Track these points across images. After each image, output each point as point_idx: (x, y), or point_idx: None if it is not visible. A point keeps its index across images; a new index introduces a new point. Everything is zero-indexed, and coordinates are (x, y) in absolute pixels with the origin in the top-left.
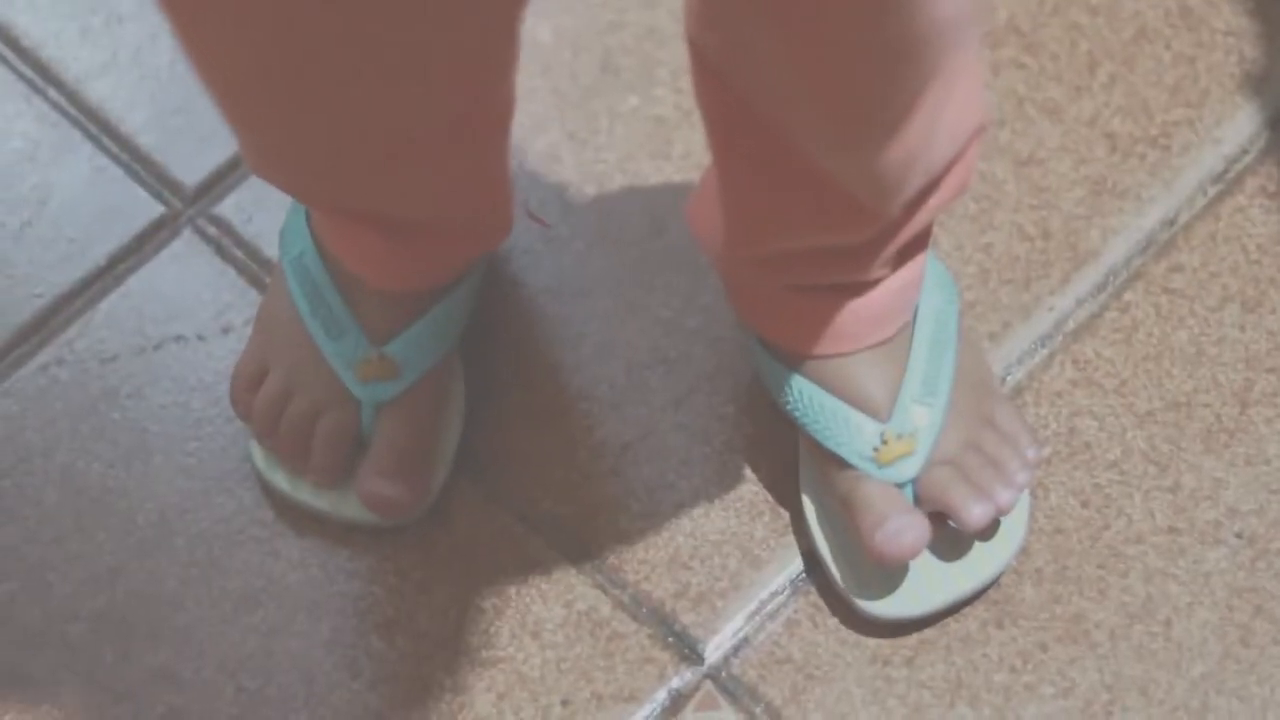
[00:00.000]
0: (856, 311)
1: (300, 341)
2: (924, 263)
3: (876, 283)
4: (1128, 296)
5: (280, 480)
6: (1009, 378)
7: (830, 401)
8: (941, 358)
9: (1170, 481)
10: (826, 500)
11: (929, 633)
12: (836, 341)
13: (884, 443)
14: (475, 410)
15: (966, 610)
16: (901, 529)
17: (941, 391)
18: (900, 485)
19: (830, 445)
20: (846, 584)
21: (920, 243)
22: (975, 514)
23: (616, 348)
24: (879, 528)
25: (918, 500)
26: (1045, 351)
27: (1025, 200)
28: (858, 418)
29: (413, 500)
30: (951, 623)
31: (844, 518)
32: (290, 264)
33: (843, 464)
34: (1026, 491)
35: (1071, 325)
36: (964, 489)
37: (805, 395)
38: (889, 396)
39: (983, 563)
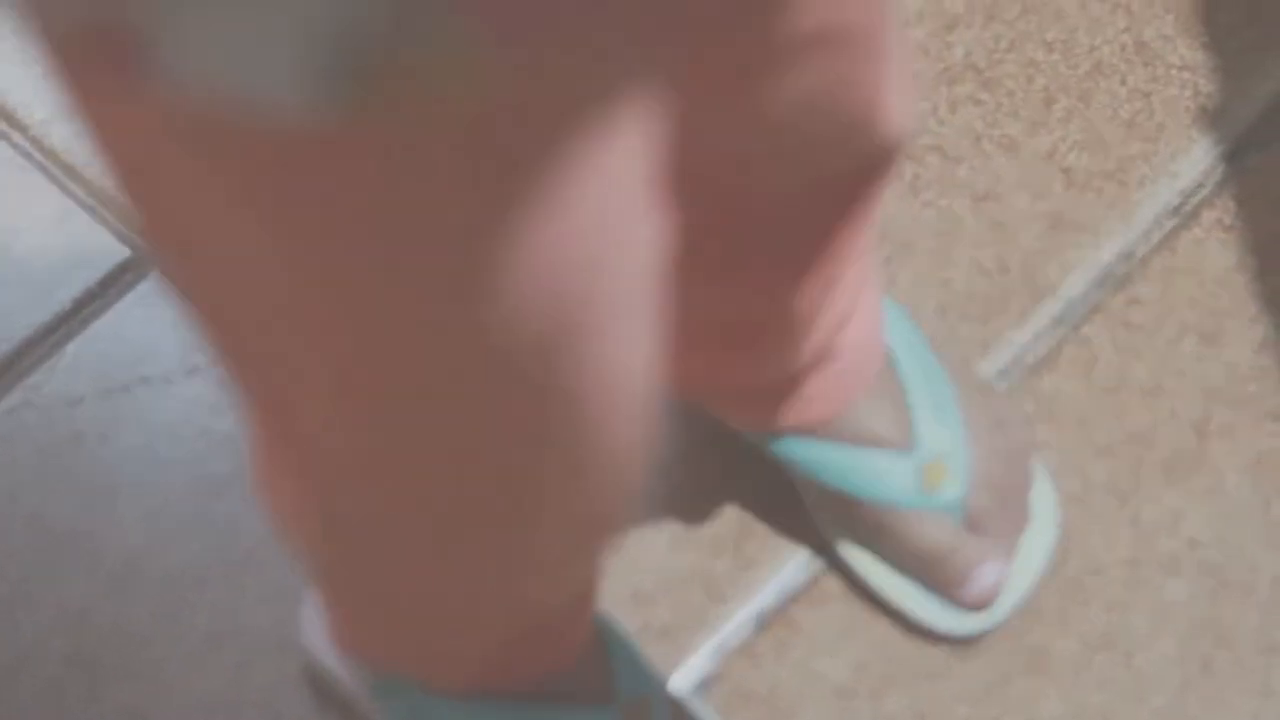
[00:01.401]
0: (834, 376)
1: None
2: (874, 290)
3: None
4: (1086, 330)
5: None
6: None
7: (857, 454)
8: (933, 375)
9: (1130, 513)
10: (879, 547)
11: (891, 665)
12: (828, 405)
13: (924, 471)
14: None
15: (929, 642)
16: (984, 576)
17: (949, 407)
18: (950, 511)
19: (874, 494)
20: (928, 617)
21: (859, 276)
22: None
23: None
24: (962, 586)
25: (968, 520)
26: (1005, 386)
27: (983, 235)
28: (888, 458)
29: None
30: (914, 655)
31: (904, 560)
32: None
33: (888, 510)
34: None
35: (1030, 359)
36: (1003, 518)
37: (828, 458)
38: (904, 429)
39: (1034, 552)
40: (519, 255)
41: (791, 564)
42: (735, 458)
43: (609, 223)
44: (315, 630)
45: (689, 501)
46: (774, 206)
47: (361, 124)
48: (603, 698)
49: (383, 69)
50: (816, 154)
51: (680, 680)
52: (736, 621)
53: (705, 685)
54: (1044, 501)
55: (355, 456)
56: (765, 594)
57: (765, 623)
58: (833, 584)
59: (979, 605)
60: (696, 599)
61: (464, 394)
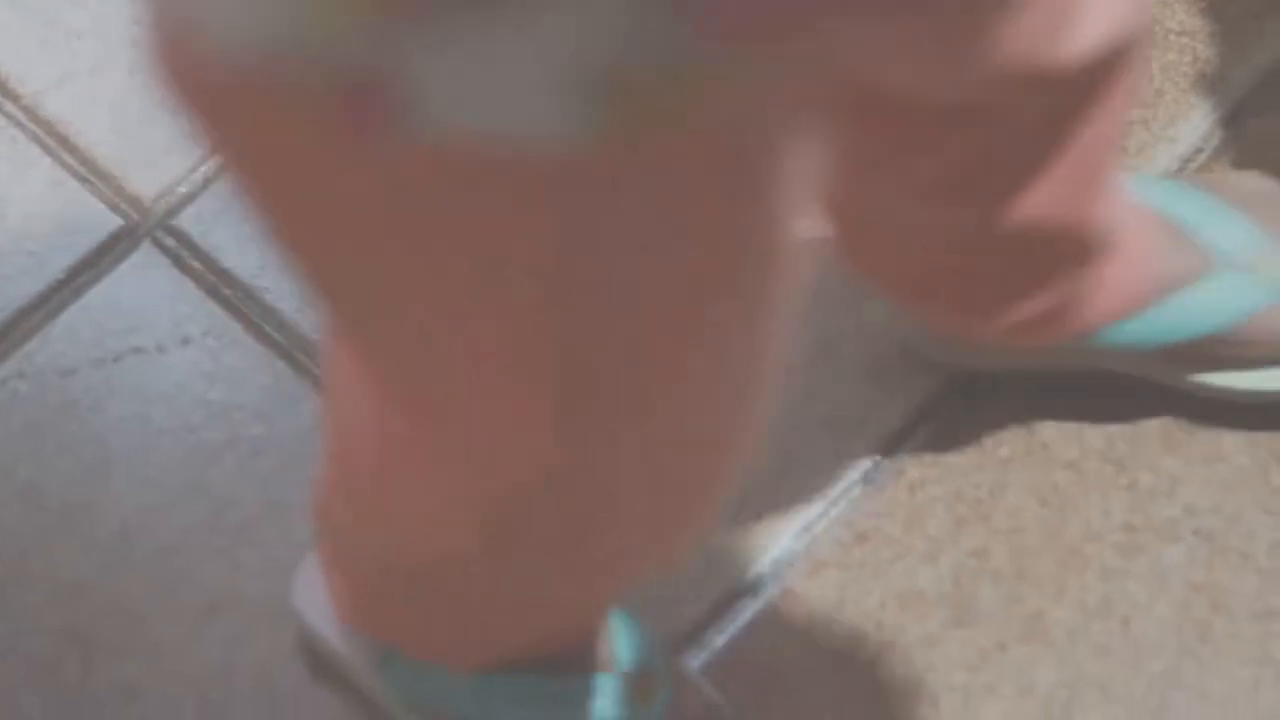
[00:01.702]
0: (1135, 259)
1: None
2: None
3: None
4: None
5: None
6: (976, 383)
7: (1185, 298)
8: (1188, 195)
9: (1127, 480)
10: (1237, 361)
11: (889, 633)
12: (1143, 284)
13: (1252, 267)
14: None
15: (925, 610)
16: None
17: (1223, 210)
18: None
19: (1225, 319)
20: None
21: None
22: None
23: None
24: None
25: None
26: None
27: None
28: (1213, 283)
29: None
30: (911, 623)
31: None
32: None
33: (1241, 324)
34: None
35: None
36: None
37: (1159, 324)
38: (1201, 254)
39: None
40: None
41: (787, 534)
42: None
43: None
44: (311, 598)
45: None
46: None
47: (618, 144)
48: (604, 667)
49: (630, 89)
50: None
51: (679, 650)
52: (734, 592)
53: (703, 656)
54: None
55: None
56: (762, 564)
57: (763, 593)
58: (829, 552)
59: None
60: (694, 570)
61: (716, 379)
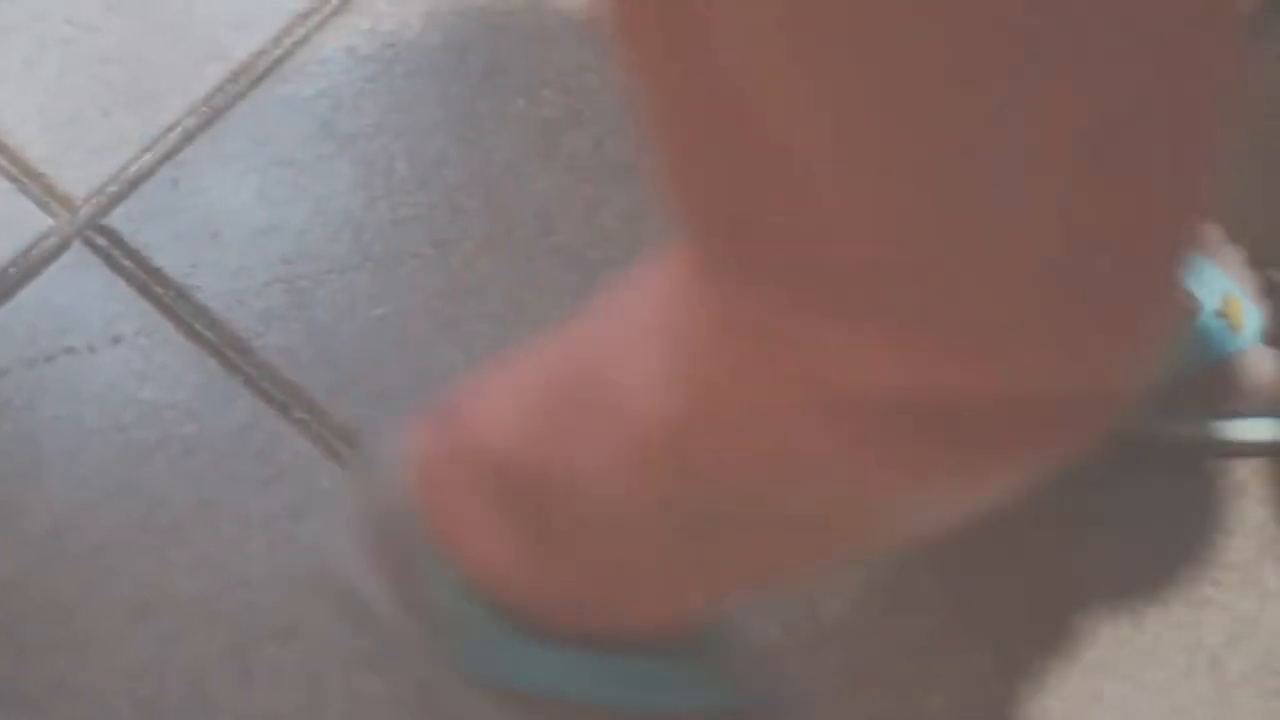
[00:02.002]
0: None
1: None
2: None
3: None
4: None
5: None
6: None
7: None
8: None
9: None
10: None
11: (828, 623)
12: None
13: (1225, 313)
14: (371, 414)
15: (866, 599)
16: None
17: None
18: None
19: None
20: None
21: None
22: None
23: (506, 348)
24: None
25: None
26: None
27: None
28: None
29: None
30: (851, 614)
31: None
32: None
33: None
34: None
35: None
36: None
37: None
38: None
39: None
40: None
41: None
42: None
43: None
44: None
45: None
46: None
47: None
48: (692, 646)
49: None
50: None
51: None
52: None
53: None
54: None
55: None
56: None
57: None
58: None
59: None
60: None
61: None
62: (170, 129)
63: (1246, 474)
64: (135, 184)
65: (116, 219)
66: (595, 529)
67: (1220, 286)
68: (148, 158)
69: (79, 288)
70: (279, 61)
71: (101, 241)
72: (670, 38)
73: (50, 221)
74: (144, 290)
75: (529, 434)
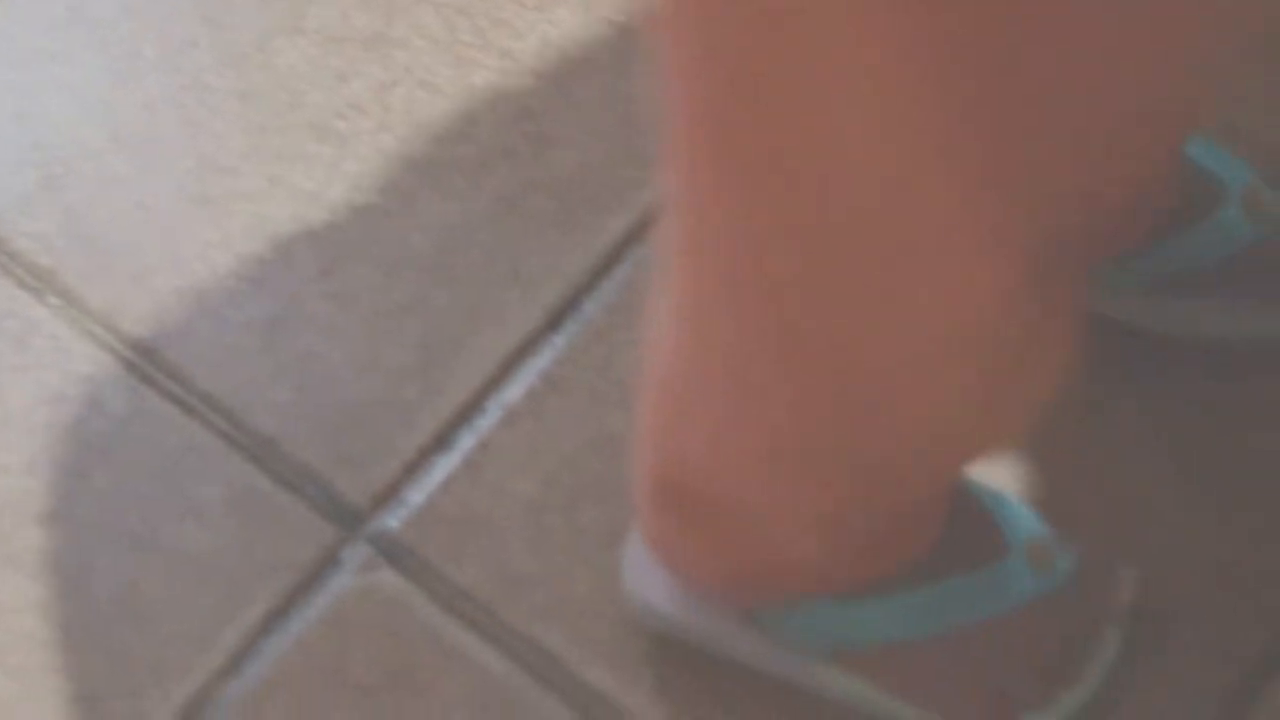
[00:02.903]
0: None
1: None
2: None
3: None
4: None
5: None
6: (653, 223)
7: None
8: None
9: None
10: None
11: (586, 479)
12: None
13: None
14: (127, 297)
15: (619, 453)
16: None
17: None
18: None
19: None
20: None
21: None
22: None
23: (262, 223)
24: None
25: None
26: None
27: None
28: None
29: None
30: (606, 467)
31: None
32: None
33: None
34: None
35: None
36: None
37: None
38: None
39: None
40: None
41: (477, 386)
42: (419, 285)
43: None
44: (650, 583)
45: (374, 331)
46: None
47: None
48: (998, 553)
49: None
50: None
51: (374, 508)
52: (425, 448)
53: (398, 512)
54: None
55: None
56: (455, 419)
57: (457, 447)
58: (522, 403)
59: None
60: (386, 427)
61: None
62: None
63: None
64: None
65: None
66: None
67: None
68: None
69: None
70: None
71: None
72: None
73: None
74: None
75: (661, 448)
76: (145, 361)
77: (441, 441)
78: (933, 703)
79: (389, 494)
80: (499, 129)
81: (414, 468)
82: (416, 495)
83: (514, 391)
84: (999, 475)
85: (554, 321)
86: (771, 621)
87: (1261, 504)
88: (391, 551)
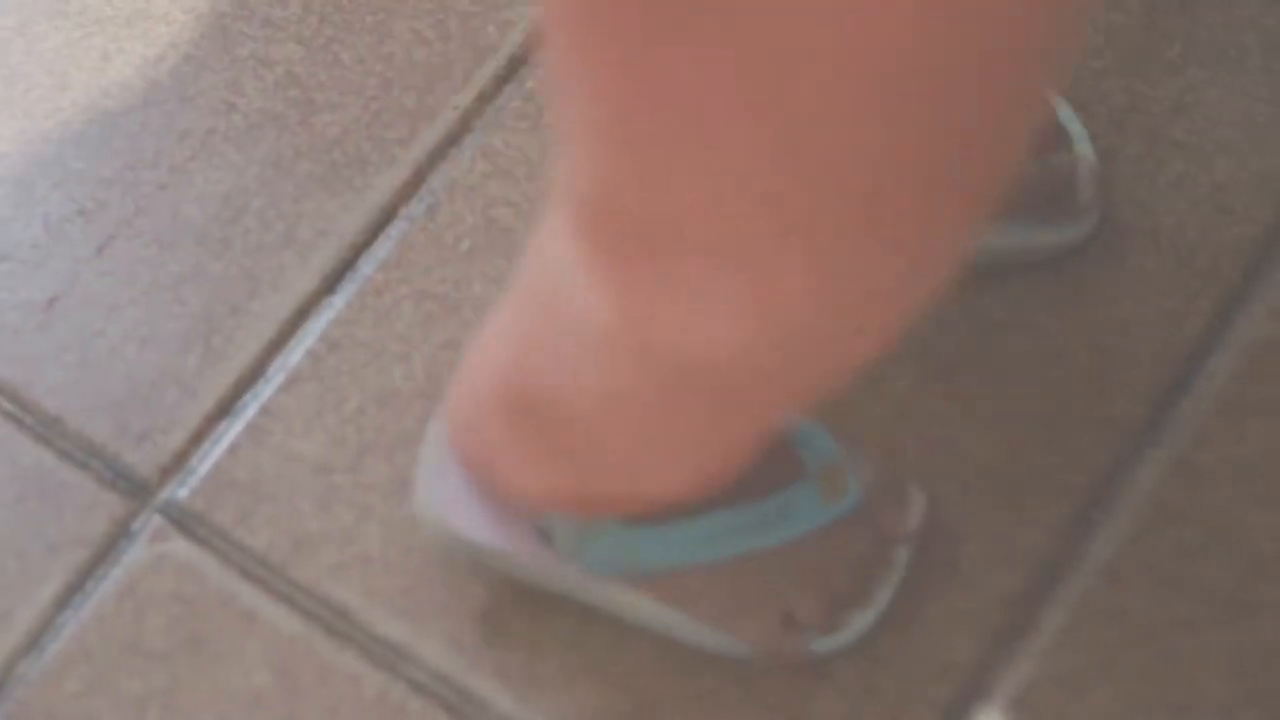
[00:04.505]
0: None
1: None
2: None
3: None
4: (530, 85)
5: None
6: (423, 178)
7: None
8: None
9: None
10: None
11: (370, 435)
12: None
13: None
14: None
15: (403, 407)
16: None
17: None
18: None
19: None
20: None
21: None
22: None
23: (31, 204)
24: None
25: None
26: (455, 150)
27: (420, 5)
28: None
29: None
30: (390, 422)
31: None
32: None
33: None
34: None
35: (478, 120)
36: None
37: None
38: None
39: None
40: None
41: (258, 352)
42: (197, 257)
43: None
44: (456, 508)
45: (153, 305)
46: None
47: None
48: (795, 475)
49: None
50: None
51: (162, 479)
52: (210, 415)
53: (186, 480)
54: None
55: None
56: (238, 386)
57: (241, 414)
58: (303, 365)
59: None
60: (170, 398)
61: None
62: None
63: None
64: None
65: None
66: (587, 426)
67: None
68: None
69: None
70: None
71: None
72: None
73: None
74: None
75: (516, 363)
76: None
77: (225, 409)
78: (722, 623)
79: (176, 464)
80: (265, 97)
81: (200, 436)
82: (204, 464)
83: (294, 355)
84: None
85: (330, 283)
86: (566, 544)
87: (1020, 408)
88: (182, 520)
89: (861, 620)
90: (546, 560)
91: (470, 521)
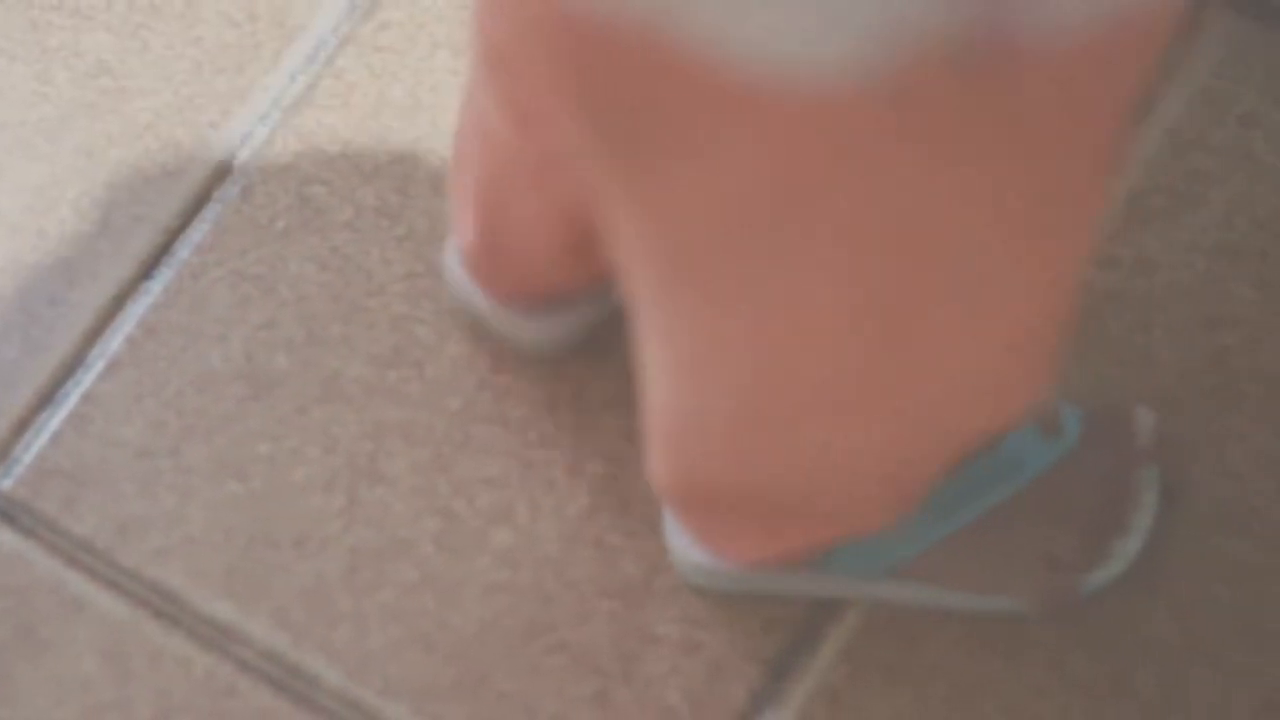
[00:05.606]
0: None
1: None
2: None
3: None
4: (340, 62)
5: None
6: (236, 160)
7: None
8: None
9: (403, 229)
10: None
11: (190, 418)
12: None
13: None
14: None
15: (222, 389)
16: None
17: None
18: None
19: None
20: None
21: None
22: None
23: None
24: None
25: None
26: (266, 129)
27: None
28: None
29: None
30: (210, 404)
31: None
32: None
33: None
34: None
35: (288, 100)
36: None
37: None
38: None
39: None
40: None
41: (77, 340)
42: (13, 249)
43: None
44: (701, 555)
45: None
46: None
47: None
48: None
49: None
50: None
51: None
52: (32, 407)
53: (10, 470)
54: None
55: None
56: (58, 375)
57: (63, 403)
58: (122, 352)
59: None
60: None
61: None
62: None
63: None
64: None
65: None
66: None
67: None
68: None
69: None
70: None
71: None
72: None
73: None
74: None
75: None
76: None
77: (46, 398)
78: (989, 587)
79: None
80: (76, 86)
81: (22, 426)
82: (27, 453)
83: (113, 342)
84: None
85: (147, 269)
86: (821, 566)
87: None
88: (7, 510)
89: (1126, 547)
90: (807, 578)
91: (723, 565)
